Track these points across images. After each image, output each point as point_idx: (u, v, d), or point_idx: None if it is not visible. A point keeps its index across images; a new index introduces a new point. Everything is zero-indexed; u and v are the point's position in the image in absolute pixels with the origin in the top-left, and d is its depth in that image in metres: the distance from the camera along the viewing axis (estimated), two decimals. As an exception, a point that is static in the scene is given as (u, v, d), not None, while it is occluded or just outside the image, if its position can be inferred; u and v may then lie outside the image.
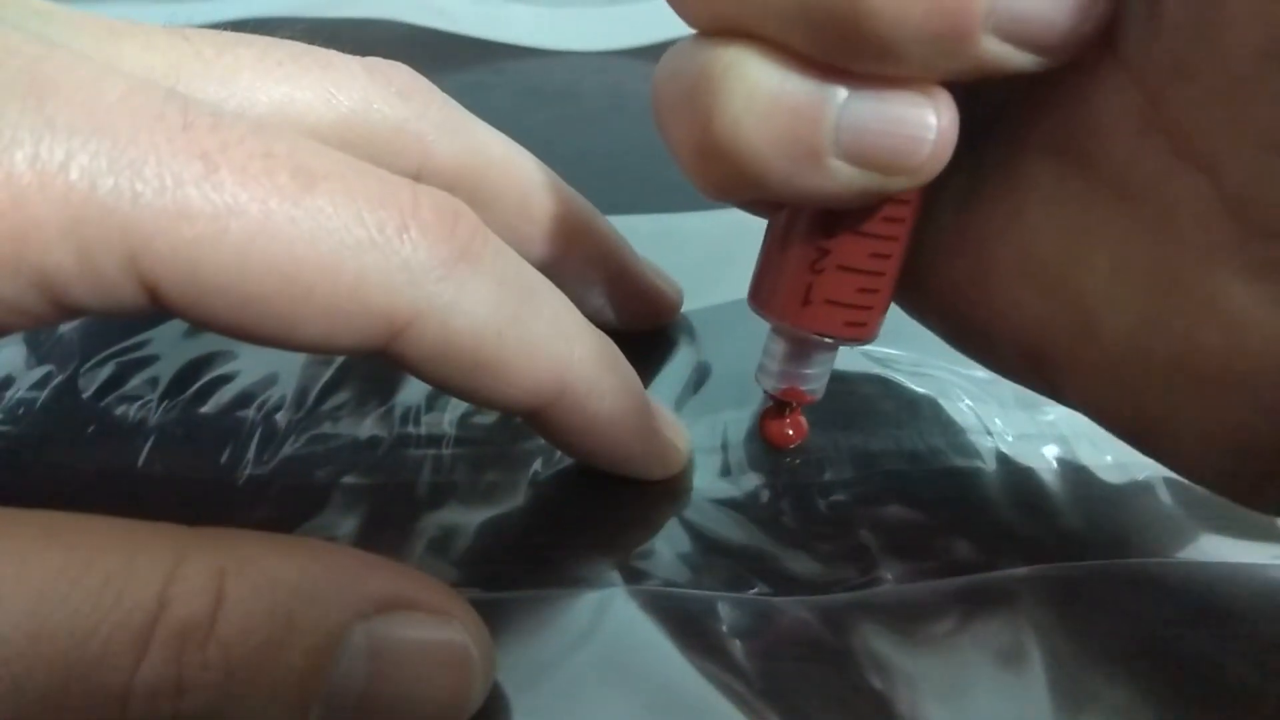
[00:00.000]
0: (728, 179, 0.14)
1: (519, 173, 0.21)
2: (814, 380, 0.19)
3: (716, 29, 0.14)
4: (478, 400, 0.17)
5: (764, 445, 0.21)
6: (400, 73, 0.20)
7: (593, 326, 0.17)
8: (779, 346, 0.19)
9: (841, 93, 0.13)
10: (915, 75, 0.14)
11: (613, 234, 0.23)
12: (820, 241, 0.16)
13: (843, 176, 0.14)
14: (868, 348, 0.23)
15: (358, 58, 0.20)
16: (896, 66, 0.13)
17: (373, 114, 0.19)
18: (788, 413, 0.20)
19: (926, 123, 0.14)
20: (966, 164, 0.16)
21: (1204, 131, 0.13)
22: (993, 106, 0.16)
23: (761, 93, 0.14)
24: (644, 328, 0.24)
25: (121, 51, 0.17)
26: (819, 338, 0.18)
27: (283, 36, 0.19)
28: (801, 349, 0.18)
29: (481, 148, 0.20)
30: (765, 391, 0.20)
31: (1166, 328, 0.14)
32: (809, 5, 0.13)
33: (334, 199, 0.14)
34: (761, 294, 0.18)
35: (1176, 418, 0.14)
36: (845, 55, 0.13)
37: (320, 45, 0.20)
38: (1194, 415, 0.14)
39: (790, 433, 0.20)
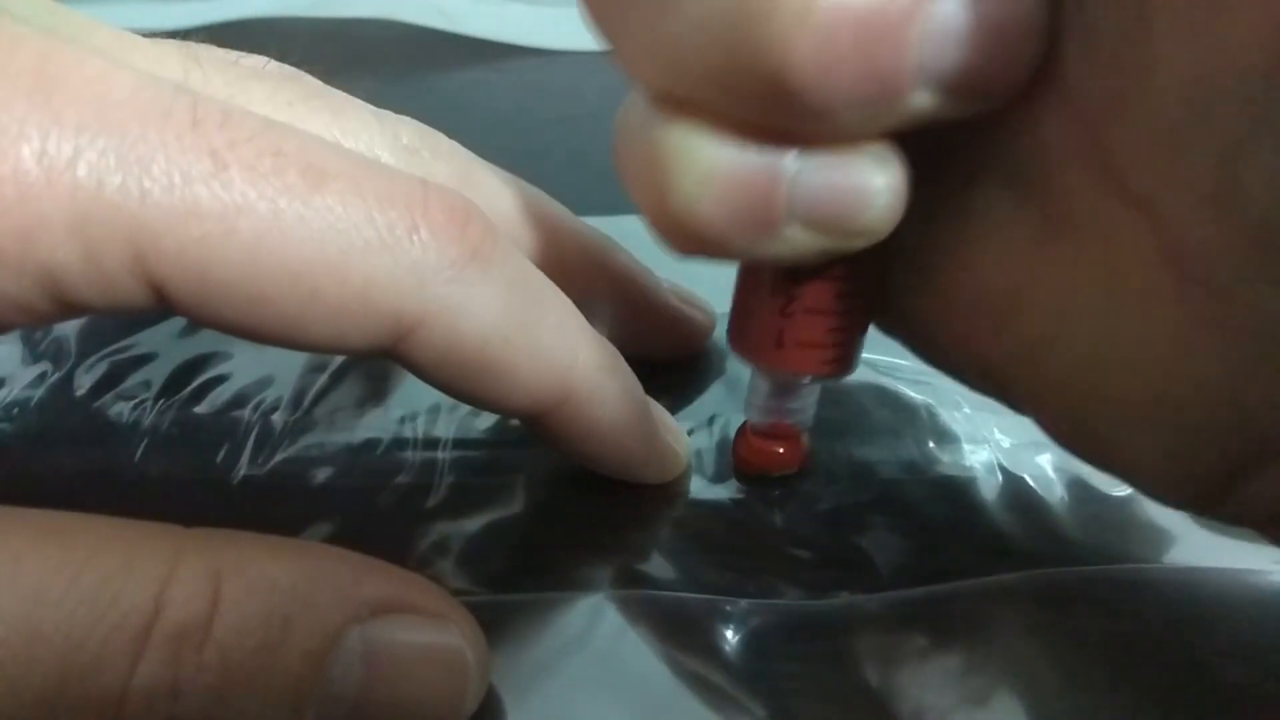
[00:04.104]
0: (689, 246, 0.14)
1: (532, 220, 0.20)
2: (801, 413, 0.19)
3: (664, 96, 0.14)
4: (481, 404, 0.17)
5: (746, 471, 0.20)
6: (408, 127, 0.20)
7: (596, 332, 0.17)
8: (763, 384, 0.19)
9: (792, 162, 0.13)
10: (854, 134, 0.13)
11: (634, 267, 0.22)
12: (786, 288, 0.16)
13: (800, 243, 0.14)
14: (865, 356, 0.23)
15: (371, 107, 0.19)
16: (834, 129, 0.13)
17: None
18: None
19: (877, 186, 0.14)
20: (921, 192, 0.16)
21: (1141, 175, 0.13)
22: (945, 134, 0.16)
23: (714, 175, 0.13)
24: (677, 356, 0.24)
25: (132, 62, 0.17)
26: (795, 378, 0.18)
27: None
28: (785, 386, 0.18)
29: (491, 202, 0.20)
30: (754, 426, 0.20)
31: (1114, 369, 0.14)
32: (737, 79, 0.12)
33: (344, 198, 0.14)
34: (738, 337, 0.18)
35: (1131, 451, 0.14)
36: (781, 122, 0.13)
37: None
38: (1144, 448, 0.14)
39: (780, 450, 0.20)
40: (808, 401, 0.19)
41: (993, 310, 0.15)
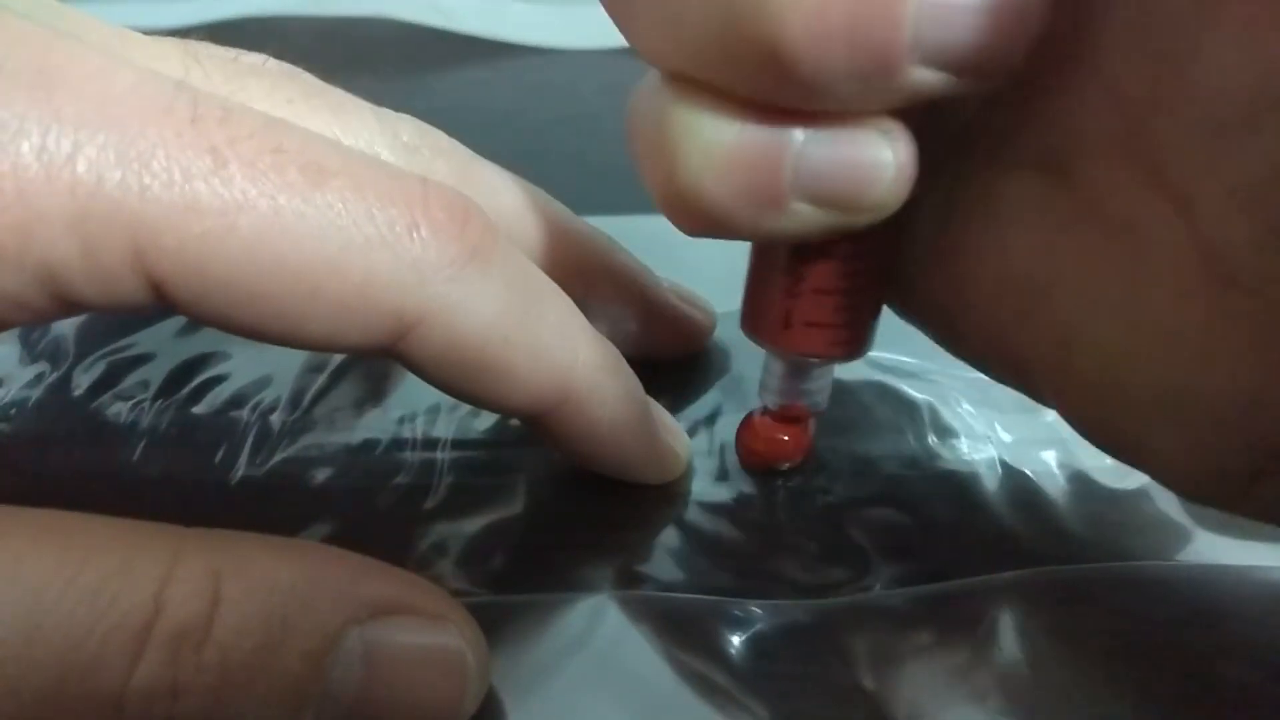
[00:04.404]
0: (697, 224, 0.14)
1: (532, 219, 0.20)
2: (815, 395, 0.19)
3: (673, 75, 0.14)
4: (481, 403, 0.16)
5: (751, 462, 0.20)
6: (408, 125, 0.20)
7: (596, 332, 0.17)
8: (776, 365, 0.19)
9: (797, 137, 0.13)
10: (855, 109, 0.13)
11: (635, 267, 0.22)
12: (794, 266, 0.16)
13: (806, 218, 0.14)
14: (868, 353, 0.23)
15: (371, 105, 0.19)
16: (831, 103, 0.13)
17: None
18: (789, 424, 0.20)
19: (883, 161, 0.13)
20: (945, 174, 0.16)
21: (1179, 170, 0.13)
22: (968, 115, 0.16)
23: (718, 150, 0.13)
24: (677, 356, 0.24)
25: (131, 59, 0.17)
26: (804, 359, 0.18)
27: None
28: (798, 367, 0.18)
29: (491, 200, 0.19)
30: (767, 407, 0.20)
31: (1139, 361, 0.14)
32: (735, 53, 0.12)
33: (344, 195, 0.14)
34: (748, 318, 0.18)
35: (1154, 443, 0.14)
36: (782, 97, 0.13)
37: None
38: (1168, 442, 0.14)
39: (785, 438, 0.20)
40: (821, 383, 0.19)
41: (1018, 298, 0.15)
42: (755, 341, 0.18)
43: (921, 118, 0.14)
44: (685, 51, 0.13)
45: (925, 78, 0.12)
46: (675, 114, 0.14)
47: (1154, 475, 0.15)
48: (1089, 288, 0.14)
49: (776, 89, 0.13)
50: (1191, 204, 0.13)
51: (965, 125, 0.16)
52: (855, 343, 0.17)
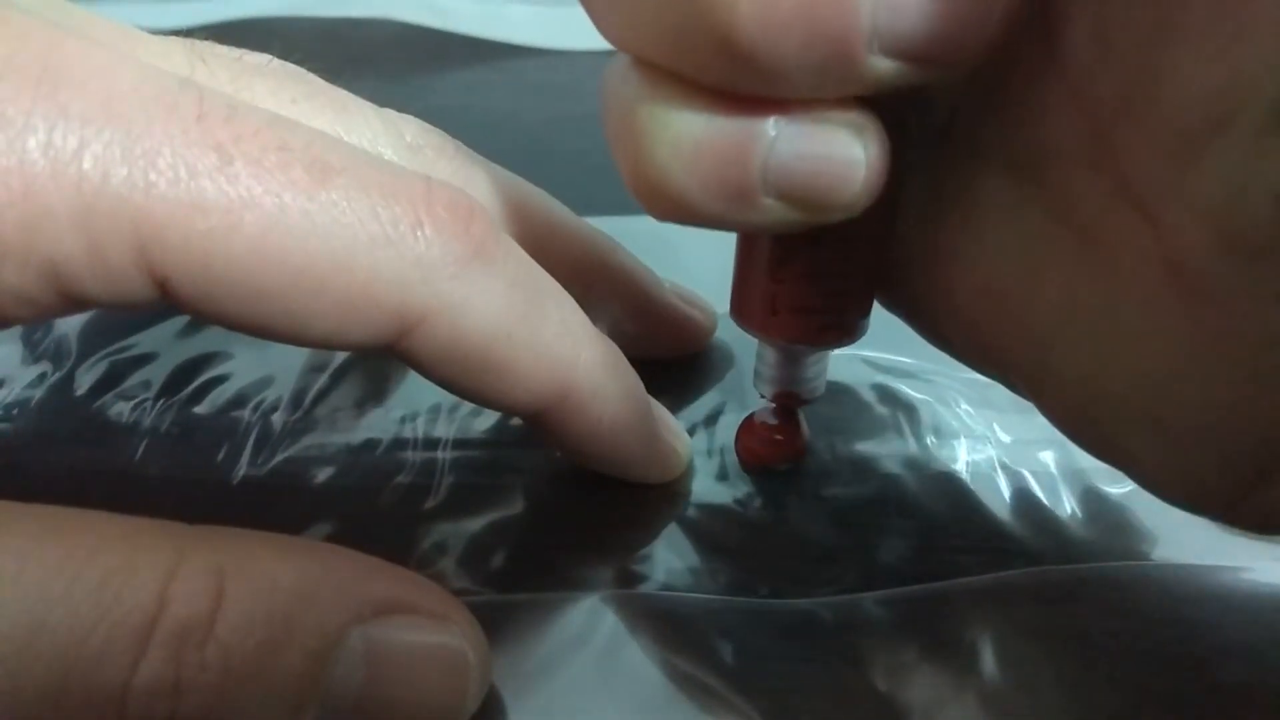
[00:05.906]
0: (666, 212, 0.14)
1: (533, 219, 0.20)
2: (810, 382, 0.19)
3: (641, 62, 0.14)
4: (483, 401, 0.16)
5: (750, 462, 0.21)
6: (412, 125, 0.20)
7: (598, 331, 0.17)
8: (769, 353, 0.19)
9: (768, 132, 0.13)
10: (820, 97, 0.13)
11: (635, 267, 0.22)
12: (779, 252, 0.16)
13: (776, 213, 0.14)
14: (865, 354, 0.23)
15: (374, 106, 0.19)
16: (794, 91, 0.13)
17: None
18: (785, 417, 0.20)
19: (855, 158, 0.13)
20: (925, 172, 0.16)
21: (1145, 180, 0.13)
22: (944, 111, 0.16)
23: (686, 141, 0.13)
24: (678, 356, 0.24)
25: (136, 56, 0.17)
26: (793, 346, 0.18)
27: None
28: (790, 355, 0.18)
29: (492, 199, 0.20)
30: (763, 396, 0.20)
31: (1114, 370, 0.14)
32: (692, 40, 0.12)
33: (349, 193, 0.14)
34: (736, 305, 0.18)
35: (1134, 450, 0.14)
36: (743, 85, 0.13)
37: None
38: (1147, 450, 0.14)
39: (779, 438, 0.20)
40: (816, 370, 0.19)
41: (996, 302, 0.15)
42: (743, 328, 0.18)
43: (899, 111, 0.14)
44: (646, 38, 0.13)
45: (886, 67, 0.12)
46: (644, 102, 0.13)
47: (1137, 481, 0.15)
48: (1065, 295, 0.14)
49: (738, 77, 0.12)
50: (1159, 214, 0.12)
51: (943, 122, 0.16)
52: (844, 329, 0.17)
